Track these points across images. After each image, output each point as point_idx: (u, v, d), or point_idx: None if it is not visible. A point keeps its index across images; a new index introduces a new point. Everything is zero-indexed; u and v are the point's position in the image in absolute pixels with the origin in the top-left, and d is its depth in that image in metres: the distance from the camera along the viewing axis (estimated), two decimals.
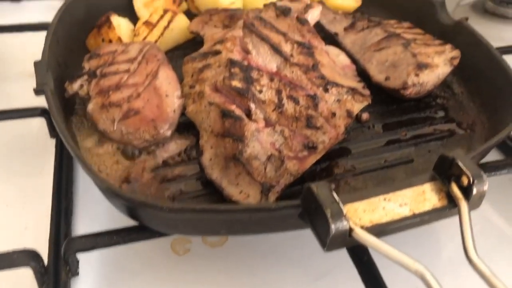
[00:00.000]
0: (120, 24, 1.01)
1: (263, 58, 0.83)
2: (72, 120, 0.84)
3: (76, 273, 0.71)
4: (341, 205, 0.54)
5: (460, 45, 0.96)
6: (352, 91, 0.81)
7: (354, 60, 0.95)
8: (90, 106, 0.79)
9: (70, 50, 0.97)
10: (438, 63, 0.88)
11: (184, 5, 1.14)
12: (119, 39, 0.98)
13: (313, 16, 0.92)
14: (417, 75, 0.86)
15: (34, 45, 0.97)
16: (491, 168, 0.79)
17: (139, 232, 0.67)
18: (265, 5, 0.98)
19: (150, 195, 0.72)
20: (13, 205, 0.83)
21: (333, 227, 0.52)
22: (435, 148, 0.83)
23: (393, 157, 0.81)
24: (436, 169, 0.63)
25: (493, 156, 0.88)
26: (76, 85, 0.83)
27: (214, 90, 0.79)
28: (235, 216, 0.62)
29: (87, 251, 0.68)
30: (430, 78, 0.87)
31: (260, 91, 0.77)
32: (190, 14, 1.16)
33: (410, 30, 0.99)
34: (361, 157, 0.81)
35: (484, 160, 0.78)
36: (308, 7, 0.92)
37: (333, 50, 0.94)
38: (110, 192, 0.64)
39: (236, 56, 0.83)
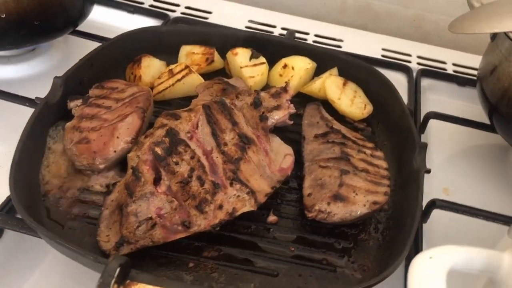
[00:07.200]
0: (151, 65, 1.23)
1: (204, 137, 0.97)
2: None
3: None
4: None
5: (408, 193, 0.97)
6: (252, 194, 0.90)
7: (303, 167, 1.02)
8: (67, 124, 1.02)
9: (105, 73, 1.21)
10: (357, 201, 0.91)
11: (220, 64, 1.31)
12: (140, 77, 1.20)
13: (275, 117, 1.02)
14: (328, 203, 0.91)
15: None
16: None
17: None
18: (254, 90, 1.10)
19: (60, 208, 0.92)
20: None
21: None
22: (306, 276, 0.87)
23: (263, 264, 0.88)
24: None
25: None
26: (72, 104, 1.06)
27: (149, 148, 0.95)
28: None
29: None
30: (340, 211, 0.90)
31: (177, 163, 0.91)
32: (225, 73, 1.32)
33: (371, 159, 1.01)
34: (238, 253, 0.89)
35: None
36: (275, 108, 1.02)
37: (286, 150, 1.02)
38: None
39: (188, 126, 0.98)
